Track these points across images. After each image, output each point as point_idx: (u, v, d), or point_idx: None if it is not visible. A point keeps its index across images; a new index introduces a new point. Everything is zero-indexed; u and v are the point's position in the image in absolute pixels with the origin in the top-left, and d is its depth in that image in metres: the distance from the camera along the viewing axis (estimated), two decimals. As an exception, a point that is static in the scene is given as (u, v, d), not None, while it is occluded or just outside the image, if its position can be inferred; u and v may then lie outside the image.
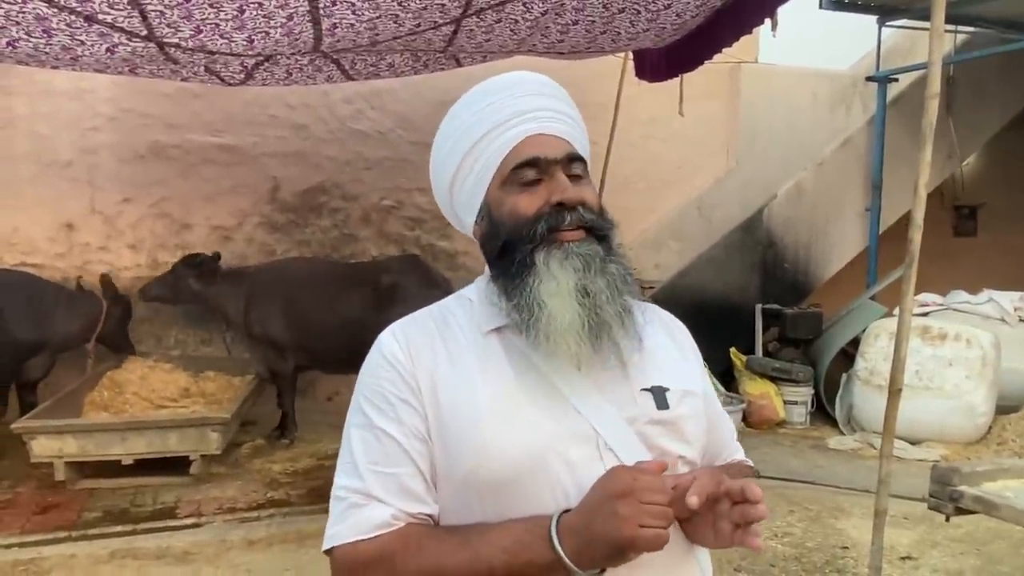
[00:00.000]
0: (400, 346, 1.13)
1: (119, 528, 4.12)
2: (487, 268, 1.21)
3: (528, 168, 1.12)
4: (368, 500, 1.05)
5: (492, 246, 1.15)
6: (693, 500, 0.97)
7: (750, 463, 1.35)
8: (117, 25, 3.53)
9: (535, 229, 1.09)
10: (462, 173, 1.18)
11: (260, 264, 6.03)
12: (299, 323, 5.46)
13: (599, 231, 1.13)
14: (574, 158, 1.15)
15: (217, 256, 5.75)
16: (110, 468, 4.72)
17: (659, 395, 1.13)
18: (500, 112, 1.15)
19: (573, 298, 1.06)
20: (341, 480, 1.09)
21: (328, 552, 1.06)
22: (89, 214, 6.26)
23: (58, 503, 4.45)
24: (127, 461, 4.69)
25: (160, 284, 5.71)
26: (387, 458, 1.07)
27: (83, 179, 6.22)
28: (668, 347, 1.24)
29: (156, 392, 5.42)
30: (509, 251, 1.12)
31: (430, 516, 1.08)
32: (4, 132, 6.04)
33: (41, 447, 4.57)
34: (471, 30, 4.09)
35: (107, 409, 5.10)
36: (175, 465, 4.79)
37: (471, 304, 1.20)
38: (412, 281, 5.42)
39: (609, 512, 0.95)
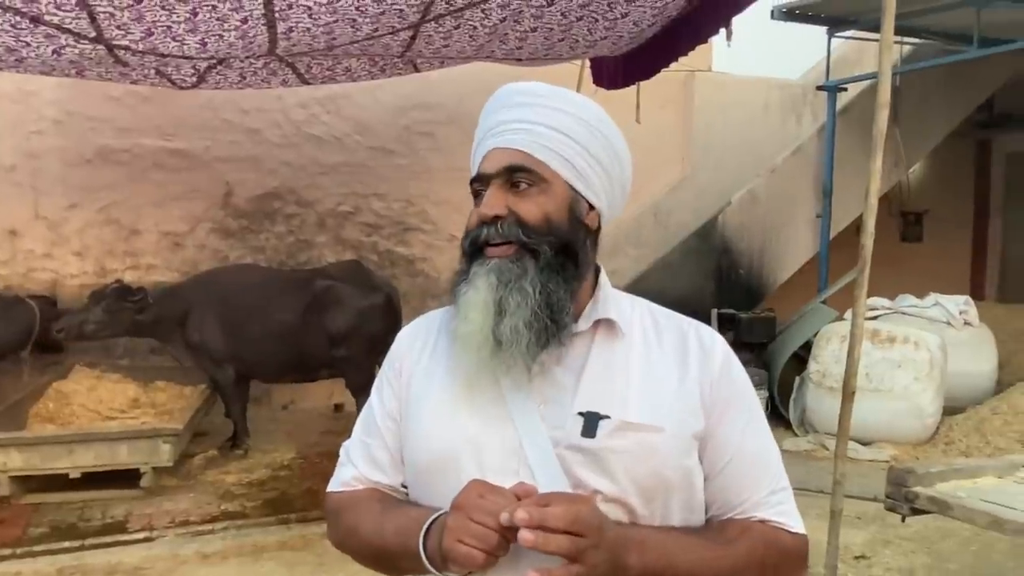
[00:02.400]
0: (406, 335, 1.28)
1: (67, 544, 3.99)
2: None
3: (476, 183, 1.18)
4: (347, 460, 1.25)
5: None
6: (504, 517, 0.94)
7: (777, 523, 1.14)
8: (64, 27, 3.45)
9: (465, 243, 1.17)
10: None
11: (196, 274, 5.88)
12: (234, 331, 5.32)
13: (530, 246, 1.11)
14: (515, 168, 1.13)
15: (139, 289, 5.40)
16: (57, 482, 4.57)
17: (590, 422, 1.07)
18: (481, 129, 1.21)
19: (482, 311, 1.09)
20: (348, 440, 1.29)
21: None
22: (33, 220, 6.09)
23: (2, 519, 4.29)
24: (74, 475, 4.55)
25: (91, 321, 5.16)
26: (367, 428, 1.25)
27: (27, 184, 6.05)
28: (658, 370, 1.14)
29: (104, 403, 5.28)
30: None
31: (390, 486, 1.21)
32: (-57, 135, 5.85)
33: (-17, 461, 4.42)
34: (429, 36, 4.09)
35: (53, 421, 4.94)
36: (125, 478, 4.66)
37: None
38: (348, 288, 5.34)
39: (448, 522, 1.00)
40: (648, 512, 1.08)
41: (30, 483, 4.59)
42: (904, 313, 6.49)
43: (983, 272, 10.12)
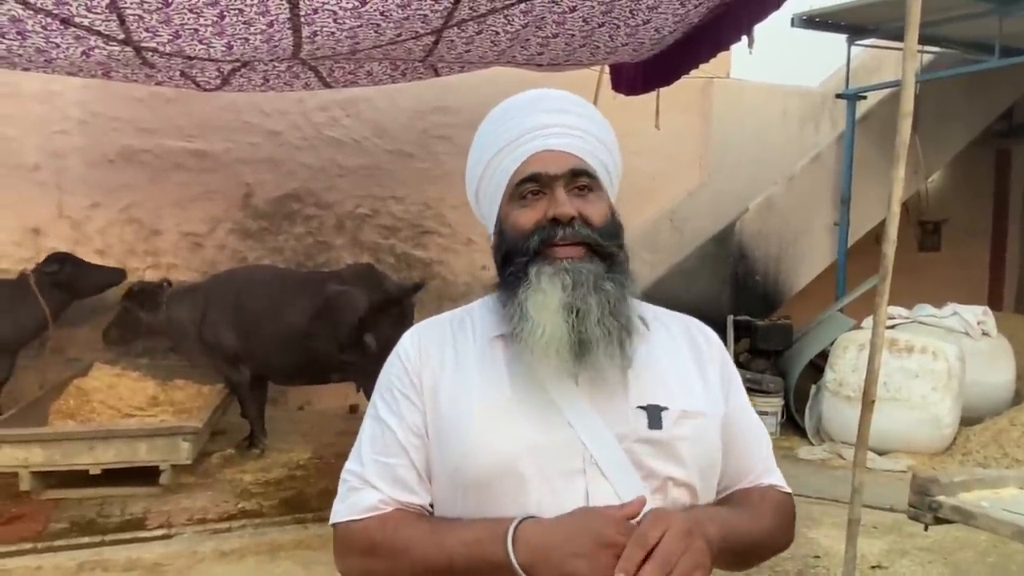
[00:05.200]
0: (414, 346, 1.21)
1: (87, 539, 4.03)
2: None
3: (529, 183, 1.16)
4: (364, 485, 1.16)
5: (497, 256, 1.21)
6: None
7: (781, 487, 1.30)
8: (94, 28, 3.49)
9: (529, 243, 1.13)
10: (483, 184, 1.24)
11: (213, 274, 5.92)
12: (247, 332, 5.36)
13: (600, 248, 1.14)
14: (579, 172, 1.17)
15: (164, 284, 5.68)
16: (77, 478, 4.62)
17: (653, 414, 1.13)
18: (514, 129, 1.19)
19: (559, 314, 1.08)
20: (349, 464, 1.20)
21: (333, 527, 1.18)
22: (56, 219, 6.15)
23: (23, 514, 4.34)
24: (95, 471, 4.60)
25: (114, 327, 5.60)
26: (386, 448, 1.17)
27: (51, 183, 6.12)
28: (683, 362, 1.23)
29: (124, 400, 5.33)
30: (508, 262, 1.17)
31: (420, 506, 1.16)
32: (-31, 134, 5.93)
33: (5, 456, 4.46)
34: (452, 41, 4.11)
35: (74, 418, 5.00)
36: (144, 475, 4.71)
37: (488, 310, 1.25)
38: (360, 292, 5.30)
39: (581, 550, 0.97)
40: (705, 491, 1.17)
41: (51, 479, 4.65)
42: (922, 323, 6.46)
43: (1002, 282, 10.04)
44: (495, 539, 1.02)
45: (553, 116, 1.20)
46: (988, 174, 10.02)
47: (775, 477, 1.30)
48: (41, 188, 6.10)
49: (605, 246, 1.15)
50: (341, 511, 1.17)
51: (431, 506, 1.17)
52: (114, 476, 4.66)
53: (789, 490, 1.32)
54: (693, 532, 1.00)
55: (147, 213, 6.35)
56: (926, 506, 1.92)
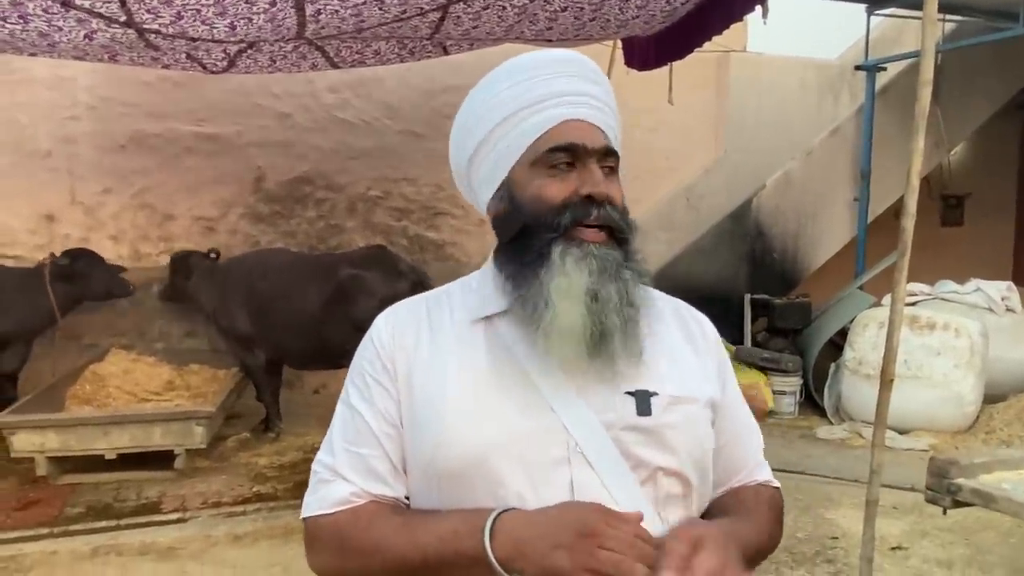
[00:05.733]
0: (387, 329, 1.13)
1: (102, 523, 4.05)
2: (492, 254, 1.17)
3: (562, 153, 1.07)
4: (335, 476, 1.08)
5: (508, 228, 1.10)
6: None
7: (772, 482, 1.26)
8: (95, 11, 3.45)
9: (559, 219, 1.04)
10: (488, 144, 1.12)
11: (231, 257, 5.93)
12: (261, 316, 5.37)
13: (620, 233, 1.08)
14: (609, 152, 1.10)
15: (212, 254, 5.74)
16: (93, 463, 4.66)
17: (642, 400, 1.06)
18: (539, 89, 1.09)
19: (582, 302, 1.01)
20: (320, 454, 1.13)
21: (304, 521, 1.11)
22: (69, 205, 6.16)
23: (40, 498, 4.38)
24: (110, 456, 4.63)
25: (166, 288, 5.82)
26: (358, 437, 1.09)
27: (63, 169, 6.12)
28: (674, 345, 1.16)
29: (140, 385, 5.34)
30: (526, 236, 1.07)
31: (394, 498, 1.09)
32: (-19, 121, 5.94)
33: (22, 442, 4.50)
34: (458, 17, 4.04)
35: (90, 403, 5.01)
36: (159, 459, 4.73)
37: (470, 290, 1.17)
38: (374, 274, 5.28)
39: (560, 541, 0.92)
40: (699, 482, 1.11)
41: (67, 464, 4.69)
42: (944, 299, 6.33)
43: (1027, 257, 9.85)
44: (472, 532, 0.96)
45: (582, 84, 1.11)
46: (1013, 146, 9.80)
47: (766, 471, 1.26)
48: (53, 174, 6.10)
49: (626, 232, 1.09)
50: (311, 504, 1.10)
51: (407, 498, 1.10)
52: (130, 460, 4.69)
53: (778, 484, 1.28)
54: (727, 546, 0.97)
55: (159, 198, 6.34)
56: (944, 489, 1.85)
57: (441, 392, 1.05)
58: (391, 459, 1.08)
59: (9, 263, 5.69)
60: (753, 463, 1.24)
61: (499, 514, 0.97)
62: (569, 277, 1.02)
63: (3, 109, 5.95)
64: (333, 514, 1.07)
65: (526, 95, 1.09)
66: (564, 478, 1.01)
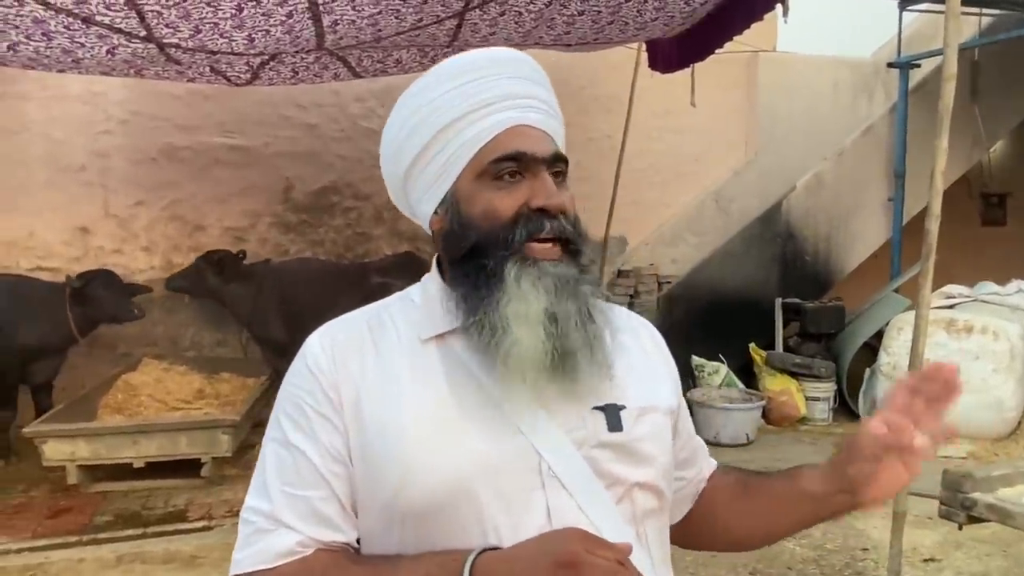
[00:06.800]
0: (325, 353, 1.01)
1: (129, 532, 4.09)
2: (435, 264, 1.10)
3: (509, 162, 0.99)
4: (276, 525, 0.96)
5: (457, 245, 1.01)
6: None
7: (720, 464, 1.26)
8: (115, 26, 3.51)
9: (511, 235, 0.97)
10: (427, 155, 1.03)
11: (265, 265, 6.00)
12: (293, 324, 5.44)
13: (573, 245, 1.01)
14: (559, 158, 1.03)
15: (240, 254, 5.82)
16: (123, 471, 4.71)
17: (612, 414, 1.00)
18: (481, 93, 1.00)
19: (540, 325, 0.94)
20: (250, 500, 1.00)
21: None
22: (103, 217, 6.27)
23: (71, 507, 4.44)
24: (139, 464, 4.68)
25: (182, 277, 5.82)
26: (300, 479, 0.96)
27: (96, 182, 6.23)
28: (633, 355, 1.10)
29: (171, 394, 5.40)
30: (476, 255, 0.99)
31: (346, 544, 0.98)
32: (19, 137, 6.06)
33: (53, 451, 4.57)
34: (475, 24, 4.02)
35: (121, 411, 5.08)
36: (187, 467, 4.77)
37: (413, 306, 1.07)
38: (403, 281, 5.30)
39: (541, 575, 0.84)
40: (668, 492, 1.07)
41: (98, 472, 4.74)
42: (984, 301, 6.13)
43: (1073, 256, 9.52)
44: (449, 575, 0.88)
45: (524, 85, 1.04)
46: (1057, 143, 9.49)
47: (712, 460, 1.25)
48: (87, 188, 6.21)
49: (580, 244, 1.02)
50: (246, 560, 0.96)
51: (357, 542, 0.99)
52: (159, 468, 4.74)
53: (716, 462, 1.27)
54: None
55: (190, 209, 6.42)
56: (959, 503, 1.76)
57: (397, 420, 0.95)
58: (340, 500, 0.97)
59: (45, 275, 5.80)
60: (702, 455, 1.23)
61: (477, 554, 0.88)
62: (526, 301, 0.95)
63: (38, 124, 6.08)
64: (275, 568, 0.94)
65: (467, 100, 1.00)
66: (540, 505, 0.93)
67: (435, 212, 1.05)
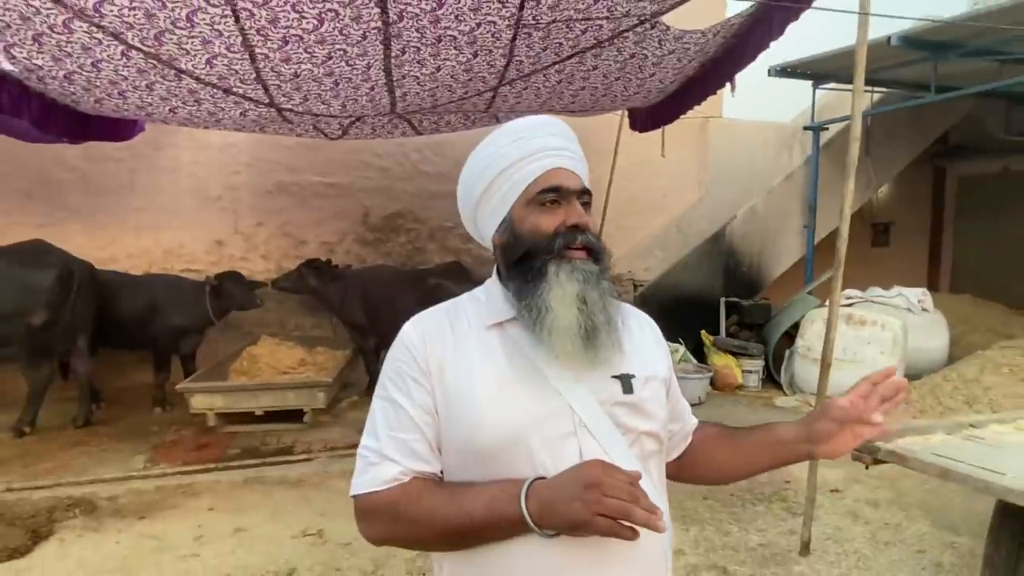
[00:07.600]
0: (417, 335, 1.03)
1: (251, 461, 4.13)
2: (495, 272, 1.11)
3: (550, 193, 1.02)
4: (382, 459, 0.97)
5: (512, 253, 1.03)
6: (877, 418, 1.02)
7: (702, 421, 1.23)
8: (247, 96, 3.53)
9: (553, 244, 0.99)
10: (492, 189, 1.04)
11: (352, 269, 6.02)
12: (373, 313, 5.49)
13: (596, 253, 1.03)
14: (584, 191, 1.06)
15: (329, 262, 5.81)
16: (247, 418, 4.75)
17: (626, 381, 1.01)
18: (530, 144, 1.03)
19: (574, 305, 0.96)
20: (364, 440, 1.01)
21: (354, 498, 0.99)
22: (233, 233, 6.31)
23: (209, 443, 4.49)
24: (259, 412, 4.71)
25: (285, 279, 5.80)
26: (400, 425, 0.98)
27: (229, 208, 6.28)
28: (640, 340, 1.11)
29: (281, 362, 5.42)
30: (527, 259, 1.00)
31: (434, 474, 0.99)
32: (173, 175, 6.12)
33: (198, 402, 4.62)
34: (505, 96, 4.02)
35: (246, 375, 5.11)
36: (293, 416, 4.80)
37: (480, 302, 1.08)
38: (453, 282, 5.32)
39: (574, 495, 0.85)
40: (666, 439, 1.08)
41: (229, 418, 4.78)
42: (873, 301, 6.07)
43: (938, 270, 9.40)
44: (510, 499, 0.90)
45: (560, 140, 1.06)
46: (927, 186, 9.38)
47: (694, 417, 1.22)
48: (222, 212, 6.26)
49: (601, 252, 1.04)
50: (362, 484, 0.97)
51: (441, 473, 1.00)
52: (273, 416, 4.77)
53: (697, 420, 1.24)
54: None
55: (296, 229, 6.46)
56: (867, 450, 1.74)
57: (470, 385, 0.97)
58: (429, 442, 0.98)
59: (192, 275, 5.84)
60: (687, 414, 1.20)
61: (531, 483, 0.90)
62: (563, 287, 0.97)
63: (187, 166, 6.14)
64: (384, 491, 0.96)
65: (518, 151, 1.03)
66: (574, 447, 0.95)
67: (496, 231, 1.07)
